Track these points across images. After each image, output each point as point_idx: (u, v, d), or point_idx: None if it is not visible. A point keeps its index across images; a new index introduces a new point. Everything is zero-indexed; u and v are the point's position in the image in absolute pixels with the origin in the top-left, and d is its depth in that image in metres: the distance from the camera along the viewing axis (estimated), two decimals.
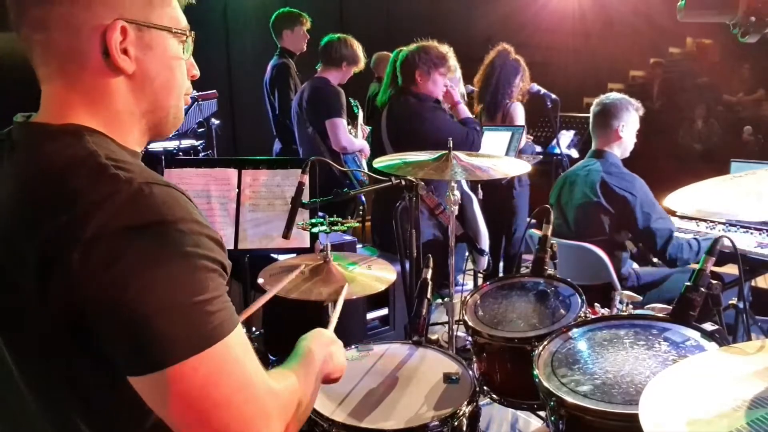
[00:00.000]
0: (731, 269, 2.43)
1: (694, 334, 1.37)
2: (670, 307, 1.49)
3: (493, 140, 3.63)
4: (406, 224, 2.15)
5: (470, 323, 1.71)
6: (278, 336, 2.76)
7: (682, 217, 3.20)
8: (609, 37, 6.96)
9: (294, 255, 2.12)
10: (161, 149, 4.14)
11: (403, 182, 2.02)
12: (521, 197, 3.79)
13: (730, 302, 2.37)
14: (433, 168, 2.06)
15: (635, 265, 2.92)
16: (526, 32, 6.10)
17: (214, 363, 0.79)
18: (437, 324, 3.41)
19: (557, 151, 4.03)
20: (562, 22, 7.08)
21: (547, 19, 6.86)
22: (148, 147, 1.14)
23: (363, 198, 3.98)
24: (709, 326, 1.47)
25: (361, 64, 3.87)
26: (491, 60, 3.83)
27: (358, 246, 3.05)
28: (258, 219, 2.26)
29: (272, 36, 4.32)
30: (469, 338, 1.75)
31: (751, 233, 2.89)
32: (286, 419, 0.88)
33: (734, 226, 3.00)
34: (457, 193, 2.18)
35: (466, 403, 1.38)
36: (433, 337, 3.31)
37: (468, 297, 1.85)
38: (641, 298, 1.88)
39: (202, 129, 4.84)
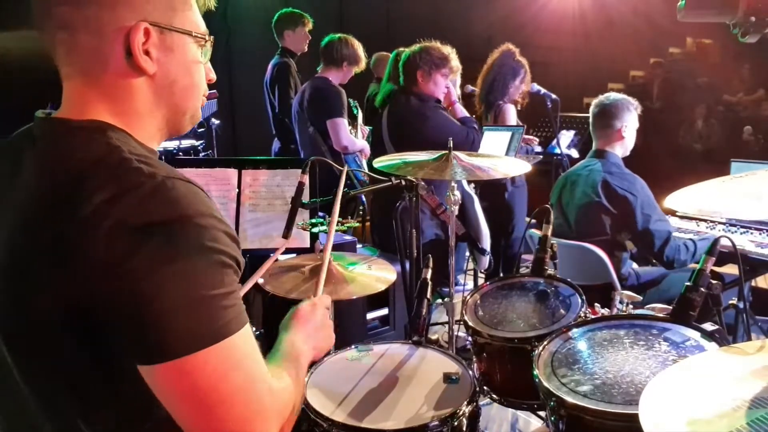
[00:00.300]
0: (731, 269, 2.43)
1: (694, 334, 1.37)
2: (670, 307, 1.49)
3: (493, 140, 3.63)
4: (406, 224, 2.15)
5: (470, 323, 1.71)
6: (278, 336, 2.75)
7: (682, 217, 3.20)
8: (609, 37, 6.95)
9: (294, 255, 2.12)
10: (161, 149, 4.13)
11: (403, 182, 2.02)
12: (516, 197, 3.77)
13: (730, 302, 2.37)
14: (433, 168, 2.06)
15: (635, 265, 2.92)
16: (526, 32, 6.09)
17: (224, 357, 0.80)
18: (437, 324, 3.41)
19: (557, 151, 4.03)
20: (562, 22, 7.07)
21: (547, 19, 6.85)
22: None
23: (363, 198, 3.98)
24: (709, 326, 1.46)
25: (362, 64, 3.87)
26: (493, 60, 3.82)
27: (358, 246, 3.05)
28: (258, 219, 2.25)
29: (273, 36, 4.32)
30: (469, 338, 1.75)
31: (751, 233, 2.89)
32: (283, 419, 0.89)
33: (734, 226, 3.00)
34: (457, 193, 2.18)
35: (466, 403, 1.38)
36: (433, 337, 3.32)
37: (468, 297, 1.85)
38: (641, 298, 1.88)
39: (202, 129, 4.85)
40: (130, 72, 0.88)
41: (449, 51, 3.22)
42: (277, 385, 0.90)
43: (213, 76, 1.03)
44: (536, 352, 1.42)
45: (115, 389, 0.84)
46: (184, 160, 3.46)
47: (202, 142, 4.81)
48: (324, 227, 1.85)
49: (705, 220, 3.12)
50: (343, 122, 3.68)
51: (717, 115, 6.98)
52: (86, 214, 0.76)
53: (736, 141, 6.64)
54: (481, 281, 3.94)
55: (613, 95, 2.82)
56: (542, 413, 2.00)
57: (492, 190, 3.74)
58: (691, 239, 2.73)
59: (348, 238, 2.94)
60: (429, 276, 1.74)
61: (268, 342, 2.75)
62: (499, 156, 2.82)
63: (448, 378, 1.48)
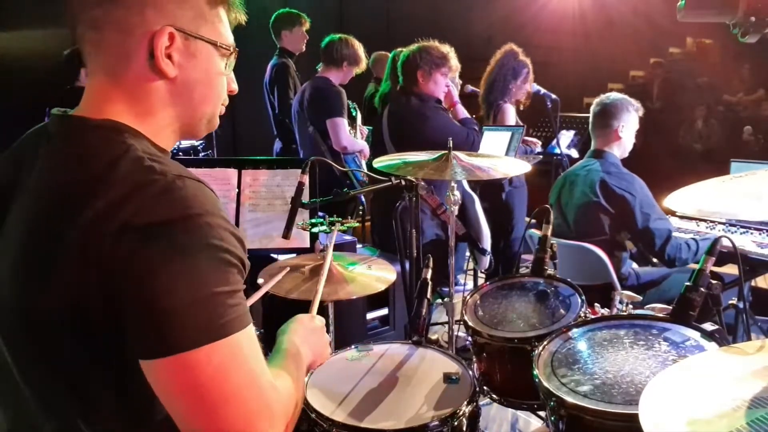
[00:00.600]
0: (731, 269, 2.43)
1: (694, 334, 1.37)
2: (670, 307, 1.48)
3: (493, 140, 3.63)
4: (406, 224, 2.15)
5: (470, 323, 1.71)
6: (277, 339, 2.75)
7: (682, 217, 3.20)
8: (609, 37, 6.95)
9: (294, 255, 2.12)
10: None
11: (403, 182, 2.02)
12: (515, 198, 3.77)
13: (730, 302, 2.37)
14: (433, 168, 2.06)
15: (635, 265, 2.92)
16: (526, 32, 6.09)
17: (227, 354, 0.81)
18: (437, 324, 3.42)
19: (557, 151, 4.03)
20: (562, 22, 7.07)
21: (547, 19, 6.85)
22: None
23: (363, 198, 3.98)
24: (709, 326, 1.46)
25: (363, 64, 3.87)
26: (495, 60, 3.81)
27: (358, 246, 3.05)
28: (258, 219, 2.25)
29: (272, 36, 4.32)
30: (469, 338, 1.75)
31: (751, 233, 2.89)
32: (286, 420, 0.89)
33: (734, 226, 3.00)
34: (457, 193, 2.18)
35: (466, 403, 1.38)
36: (433, 337, 3.31)
37: (468, 297, 1.85)
38: (641, 298, 1.88)
39: None
40: (151, 73, 0.90)
41: (448, 50, 3.22)
42: (279, 384, 0.91)
43: (235, 87, 1.04)
44: (536, 352, 1.42)
45: (116, 390, 0.84)
46: (184, 160, 3.46)
47: (202, 142, 4.81)
48: (324, 227, 1.85)
49: (705, 220, 3.12)
50: (343, 122, 3.68)
51: (717, 115, 6.98)
52: (97, 212, 0.78)
53: (736, 141, 6.64)
54: (481, 281, 3.94)
55: (613, 95, 2.82)
56: (542, 413, 2.00)
57: (490, 191, 3.74)
58: (693, 238, 2.73)
59: (348, 238, 2.94)
60: (429, 276, 1.73)
61: (268, 342, 2.75)
62: (499, 156, 2.82)
63: (448, 378, 1.48)
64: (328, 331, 1.94)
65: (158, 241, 0.77)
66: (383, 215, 3.26)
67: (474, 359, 1.74)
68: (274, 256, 2.48)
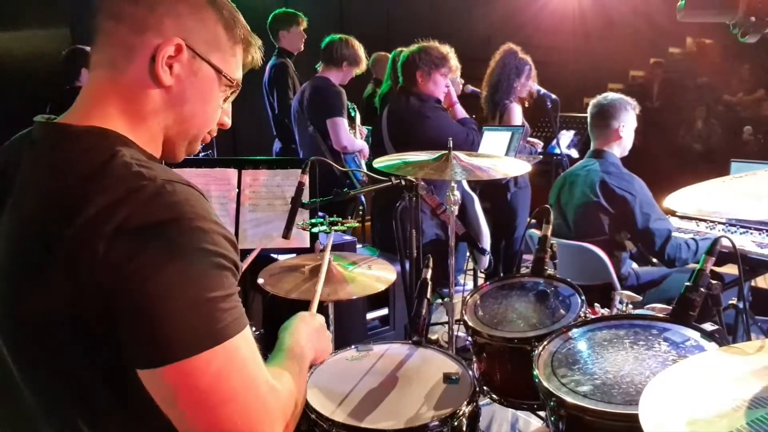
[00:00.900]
0: (731, 269, 2.43)
1: (694, 334, 1.37)
2: (670, 307, 1.48)
3: (493, 140, 3.63)
4: (406, 224, 2.15)
5: (470, 323, 1.71)
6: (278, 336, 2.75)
7: (682, 217, 3.20)
8: (609, 37, 6.95)
9: (294, 255, 2.12)
10: None
11: (403, 182, 2.02)
12: (519, 198, 3.77)
13: (730, 302, 2.37)
14: (433, 168, 2.06)
15: (635, 265, 2.92)
16: (526, 32, 6.09)
17: (225, 359, 0.80)
18: (437, 324, 3.41)
19: (557, 151, 4.03)
20: (562, 22, 7.07)
21: (547, 19, 6.85)
22: None
23: (363, 198, 3.98)
24: (709, 326, 1.47)
25: (363, 65, 3.87)
26: (495, 61, 3.80)
27: (358, 246, 3.05)
28: (258, 219, 2.25)
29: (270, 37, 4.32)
30: (469, 338, 1.75)
31: (751, 233, 2.89)
32: (286, 419, 0.90)
33: (734, 226, 3.00)
34: (457, 193, 2.18)
35: (466, 403, 1.38)
36: (433, 337, 3.31)
37: (468, 297, 1.85)
38: (641, 298, 1.88)
39: None
40: (148, 77, 0.91)
41: (448, 50, 3.22)
42: (279, 384, 0.91)
43: (227, 122, 1.06)
44: (536, 352, 1.42)
45: (116, 394, 0.84)
46: (184, 160, 3.45)
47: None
48: (324, 227, 1.85)
49: (705, 220, 3.12)
50: (343, 122, 3.68)
51: (717, 115, 6.98)
52: (88, 218, 0.77)
53: (736, 141, 6.63)
54: (481, 281, 3.94)
55: (610, 95, 2.82)
56: (542, 413, 2.00)
57: (494, 191, 3.74)
58: (693, 238, 2.73)
59: (348, 238, 2.94)
60: (429, 276, 1.73)
61: (268, 342, 2.75)
62: (499, 156, 2.82)
63: (448, 378, 1.48)
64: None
65: (150, 246, 0.76)
66: (383, 215, 3.26)
67: (474, 359, 1.74)
68: (274, 256, 2.48)
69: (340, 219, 1.89)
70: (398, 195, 2.13)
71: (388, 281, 1.84)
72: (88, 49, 0.97)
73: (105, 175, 0.81)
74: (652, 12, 6.01)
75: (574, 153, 4.25)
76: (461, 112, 3.42)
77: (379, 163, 2.13)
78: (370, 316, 2.94)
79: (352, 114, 4.17)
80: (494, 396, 1.69)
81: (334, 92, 3.70)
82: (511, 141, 3.57)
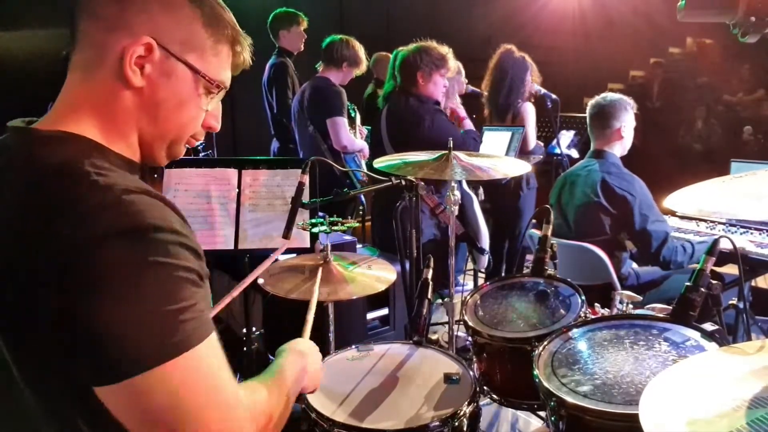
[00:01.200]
0: (731, 269, 2.43)
1: (694, 334, 1.37)
2: (670, 307, 1.49)
3: (493, 140, 3.63)
4: (406, 224, 2.15)
5: (470, 323, 1.71)
6: (278, 336, 2.76)
7: (682, 217, 3.20)
8: (609, 37, 6.95)
9: (294, 255, 2.12)
10: None
11: (403, 182, 2.02)
12: (528, 200, 3.77)
13: (730, 302, 2.37)
14: (433, 168, 2.06)
15: (635, 265, 2.92)
16: (526, 32, 6.09)
17: (184, 372, 0.77)
18: (437, 324, 3.42)
19: (557, 151, 4.03)
20: (562, 22, 7.07)
21: (547, 19, 6.85)
22: None
23: (363, 198, 3.98)
24: (709, 326, 1.46)
25: (363, 66, 3.87)
26: (498, 62, 3.76)
27: (358, 246, 3.05)
28: (258, 219, 2.25)
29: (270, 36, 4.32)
30: (469, 338, 1.75)
31: (751, 233, 2.89)
32: (256, 429, 0.88)
33: (734, 226, 3.00)
34: (457, 193, 2.18)
35: (466, 403, 1.38)
36: (433, 337, 3.31)
37: (468, 297, 1.85)
38: (641, 298, 1.88)
39: None
40: (118, 78, 0.89)
41: (447, 51, 3.22)
42: (247, 395, 0.88)
43: (214, 125, 1.02)
44: (536, 352, 1.42)
45: None
46: (184, 160, 3.45)
47: (202, 142, 4.80)
48: (324, 227, 1.85)
49: (705, 220, 3.12)
50: (343, 121, 3.68)
51: (717, 115, 6.98)
52: (39, 227, 0.76)
53: (736, 141, 6.63)
54: (481, 281, 3.94)
55: (609, 95, 2.82)
56: (542, 413, 2.00)
57: (505, 192, 3.72)
58: (688, 241, 2.73)
59: (348, 238, 2.94)
60: (429, 276, 1.74)
61: (268, 342, 2.76)
62: (499, 156, 2.82)
63: (448, 378, 1.48)
64: (328, 332, 1.95)
65: (102, 258, 0.74)
66: (383, 215, 3.26)
67: (474, 359, 1.74)
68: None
69: (340, 219, 1.89)
70: (398, 195, 2.13)
71: (388, 281, 1.84)
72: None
73: (59, 183, 0.79)
74: (652, 12, 6.01)
75: (574, 153, 4.25)
76: (468, 124, 3.44)
77: (379, 163, 2.13)
78: (370, 316, 2.94)
79: (352, 114, 4.17)
80: (494, 396, 1.69)
81: (334, 92, 3.71)
82: (511, 141, 3.58)
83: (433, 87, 3.18)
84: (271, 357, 2.63)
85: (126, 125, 0.92)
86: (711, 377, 0.93)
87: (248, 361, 2.38)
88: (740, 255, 1.64)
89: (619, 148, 2.80)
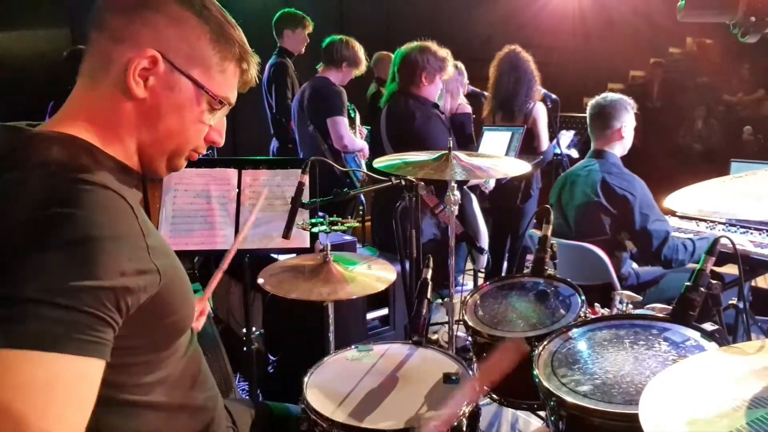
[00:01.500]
0: (731, 269, 2.43)
1: (694, 334, 1.37)
2: (670, 307, 1.49)
3: (493, 140, 3.63)
4: (406, 224, 2.15)
5: (470, 323, 1.71)
6: (278, 336, 2.76)
7: (682, 217, 3.20)
8: (609, 37, 6.95)
9: (294, 255, 2.12)
10: None
11: (403, 182, 2.02)
12: (532, 201, 3.77)
13: (730, 302, 2.37)
14: (433, 168, 2.06)
15: (635, 265, 2.92)
16: (526, 32, 6.09)
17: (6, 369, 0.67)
18: (437, 324, 3.41)
19: (557, 151, 4.03)
20: (562, 22, 7.07)
21: (547, 19, 6.85)
22: None
23: (363, 198, 3.98)
24: (709, 326, 1.46)
25: (363, 66, 3.88)
26: (508, 61, 3.69)
27: (358, 246, 3.05)
28: (258, 219, 2.25)
29: (272, 35, 4.32)
30: (469, 338, 1.75)
31: (751, 233, 2.89)
32: None
33: (734, 226, 3.00)
34: (457, 193, 2.18)
35: (466, 403, 1.38)
36: (433, 337, 3.31)
37: (468, 297, 1.85)
38: (641, 298, 1.88)
39: None
40: (121, 87, 0.91)
41: (446, 53, 3.22)
42: None
43: (217, 139, 1.02)
44: (536, 352, 1.42)
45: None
46: None
47: None
48: (324, 227, 1.85)
49: (705, 220, 3.12)
50: (344, 120, 3.69)
51: (717, 115, 6.98)
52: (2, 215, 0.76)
53: (736, 141, 6.64)
54: (481, 281, 3.94)
55: (610, 95, 2.83)
56: (542, 413, 2.00)
57: (506, 192, 3.70)
58: (689, 239, 2.73)
59: (348, 238, 2.93)
60: (429, 276, 1.73)
61: (268, 342, 2.76)
62: (499, 156, 2.82)
63: (448, 378, 1.48)
64: (328, 331, 1.95)
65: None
66: (383, 215, 3.26)
67: (474, 359, 1.74)
68: (274, 256, 2.48)
69: (340, 219, 1.89)
70: (398, 195, 2.13)
71: (388, 281, 1.83)
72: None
73: (24, 183, 0.79)
74: (652, 12, 6.02)
75: (574, 153, 4.25)
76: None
77: (380, 163, 2.13)
78: (370, 316, 2.94)
79: (352, 114, 4.17)
80: (494, 396, 1.69)
81: (334, 91, 3.71)
82: (511, 141, 3.57)
83: (434, 89, 3.19)
84: (271, 357, 2.64)
85: (125, 134, 0.93)
86: (711, 377, 0.93)
87: (248, 361, 2.38)
88: (740, 255, 1.64)
89: (620, 148, 2.81)
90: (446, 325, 2.39)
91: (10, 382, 0.67)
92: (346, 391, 1.44)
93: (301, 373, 1.49)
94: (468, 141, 3.81)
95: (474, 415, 1.41)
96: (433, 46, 3.19)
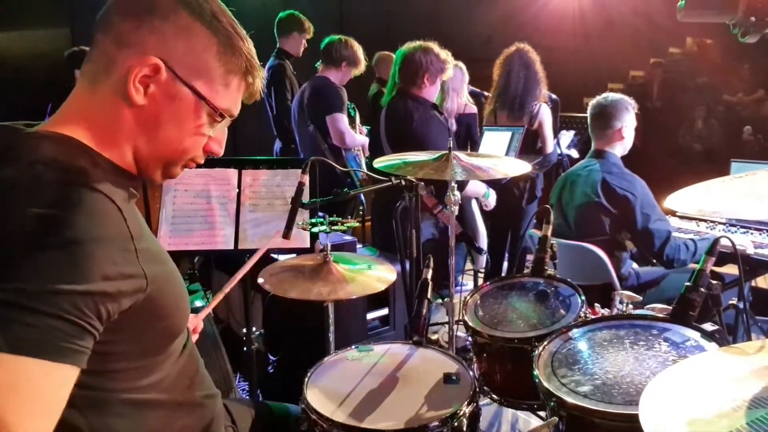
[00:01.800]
0: (731, 269, 2.43)
1: (694, 335, 1.37)
2: (670, 307, 1.49)
3: (494, 140, 3.63)
4: (406, 224, 2.15)
5: (470, 323, 1.71)
6: (278, 336, 2.76)
7: (682, 217, 3.20)
8: (609, 37, 6.95)
9: (294, 255, 2.12)
10: None
11: (403, 182, 2.02)
12: (535, 201, 3.77)
13: (730, 302, 2.37)
14: (433, 168, 2.06)
15: (635, 265, 2.92)
16: (526, 32, 6.06)
17: None
18: (437, 324, 3.41)
19: (557, 151, 4.03)
20: (562, 22, 7.07)
21: (547, 19, 6.85)
22: None
23: (363, 198, 3.98)
24: (709, 326, 1.46)
25: (362, 66, 3.88)
26: (511, 64, 3.66)
27: (358, 246, 3.05)
28: (258, 219, 2.25)
29: (273, 36, 4.32)
30: (469, 338, 1.75)
31: (751, 233, 2.89)
32: None
33: (734, 226, 3.00)
34: (457, 193, 2.18)
35: (466, 403, 1.38)
36: (433, 337, 3.31)
37: (468, 297, 1.85)
38: (641, 298, 1.88)
39: None
40: (121, 93, 0.90)
41: (446, 53, 3.21)
42: None
43: (215, 150, 1.02)
44: (536, 352, 1.42)
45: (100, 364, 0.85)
46: None
47: None
48: (324, 227, 1.85)
49: (705, 220, 3.12)
50: (343, 117, 3.69)
51: (717, 115, 6.98)
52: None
53: (736, 141, 6.64)
54: (481, 281, 3.94)
55: (611, 96, 2.82)
56: (542, 413, 1.99)
57: (516, 195, 3.70)
58: (691, 239, 2.73)
59: (348, 238, 2.93)
60: (429, 276, 1.73)
61: (268, 342, 2.75)
62: (499, 156, 2.82)
63: (448, 378, 1.48)
64: (328, 332, 1.95)
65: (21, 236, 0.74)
66: (383, 215, 3.26)
67: (474, 359, 1.74)
68: (274, 256, 2.48)
69: (340, 219, 1.89)
70: (398, 195, 2.13)
71: (388, 281, 1.83)
72: (88, 49, 0.97)
73: (13, 183, 0.79)
74: (652, 12, 6.02)
75: (574, 153, 4.25)
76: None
77: (380, 163, 2.13)
78: (370, 316, 2.94)
79: (352, 113, 4.18)
80: (494, 396, 1.69)
81: (334, 90, 3.72)
82: (511, 141, 3.57)
83: (434, 90, 3.18)
84: (271, 357, 2.64)
85: (122, 139, 0.93)
86: (711, 377, 0.93)
87: (248, 361, 2.38)
88: (740, 255, 1.64)
89: (620, 148, 2.81)
90: (446, 325, 2.39)
91: (12, 382, 0.68)
92: (346, 391, 1.44)
93: (301, 373, 1.49)
94: (474, 142, 3.82)
95: (474, 415, 1.41)
96: (435, 47, 3.19)
